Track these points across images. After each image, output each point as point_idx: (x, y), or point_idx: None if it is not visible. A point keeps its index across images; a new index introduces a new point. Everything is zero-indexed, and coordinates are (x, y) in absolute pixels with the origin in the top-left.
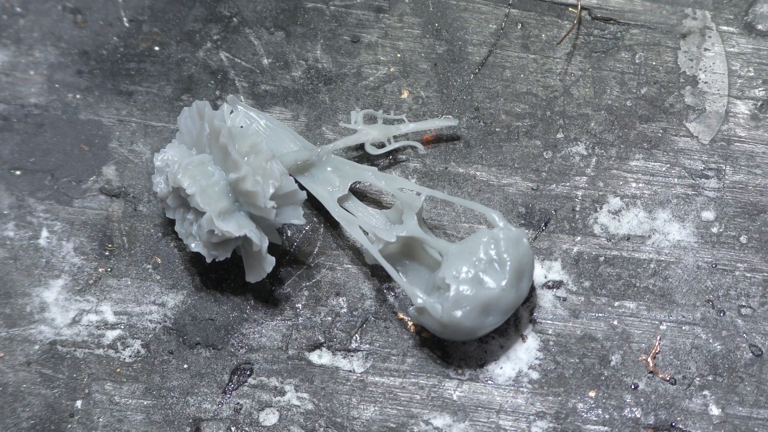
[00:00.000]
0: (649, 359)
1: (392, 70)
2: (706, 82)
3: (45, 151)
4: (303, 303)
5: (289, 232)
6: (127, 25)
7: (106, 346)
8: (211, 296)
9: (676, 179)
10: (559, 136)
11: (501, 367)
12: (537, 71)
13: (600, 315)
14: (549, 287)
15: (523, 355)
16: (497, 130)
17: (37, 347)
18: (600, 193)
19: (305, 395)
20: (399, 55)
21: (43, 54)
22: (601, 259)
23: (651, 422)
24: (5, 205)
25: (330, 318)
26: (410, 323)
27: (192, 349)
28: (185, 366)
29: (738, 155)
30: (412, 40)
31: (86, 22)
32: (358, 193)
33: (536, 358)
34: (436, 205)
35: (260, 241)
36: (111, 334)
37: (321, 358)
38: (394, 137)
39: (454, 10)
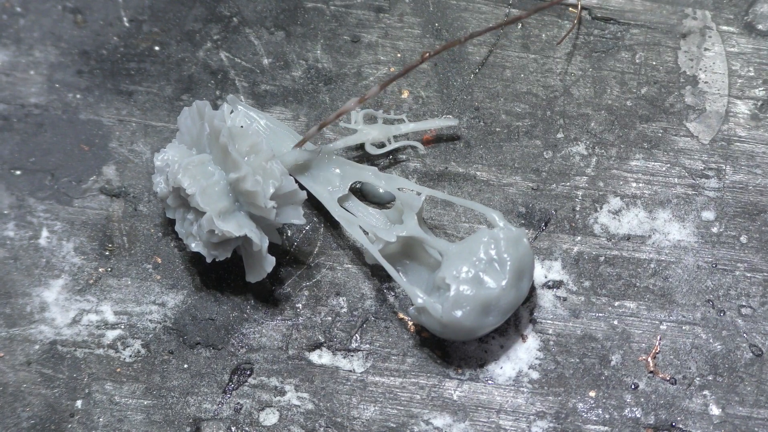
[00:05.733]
0: (649, 359)
1: (392, 70)
2: (706, 82)
3: (45, 151)
4: (303, 303)
5: (289, 231)
6: (127, 24)
7: (106, 345)
8: (211, 296)
9: (676, 179)
10: (560, 135)
11: (501, 367)
12: (537, 71)
13: (600, 315)
14: (549, 287)
15: (523, 355)
16: (497, 129)
17: (37, 347)
18: (600, 192)
19: (305, 395)
20: (399, 55)
21: (44, 54)
22: (602, 259)
23: (651, 422)
24: (5, 205)
25: (330, 318)
26: (410, 323)
27: (192, 348)
28: (185, 366)
29: (738, 155)
30: (412, 40)
31: (86, 22)
32: (358, 192)
33: (536, 358)
34: (436, 205)
35: (260, 240)
36: (111, 334)
37: (321, 357)
38: (394, 137)
39: (455, 10)
